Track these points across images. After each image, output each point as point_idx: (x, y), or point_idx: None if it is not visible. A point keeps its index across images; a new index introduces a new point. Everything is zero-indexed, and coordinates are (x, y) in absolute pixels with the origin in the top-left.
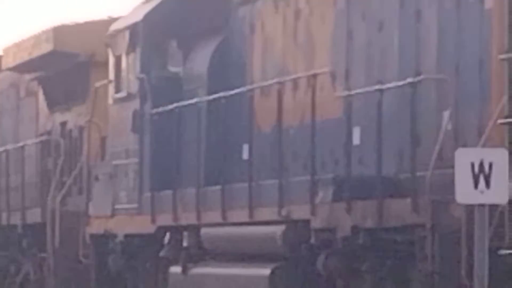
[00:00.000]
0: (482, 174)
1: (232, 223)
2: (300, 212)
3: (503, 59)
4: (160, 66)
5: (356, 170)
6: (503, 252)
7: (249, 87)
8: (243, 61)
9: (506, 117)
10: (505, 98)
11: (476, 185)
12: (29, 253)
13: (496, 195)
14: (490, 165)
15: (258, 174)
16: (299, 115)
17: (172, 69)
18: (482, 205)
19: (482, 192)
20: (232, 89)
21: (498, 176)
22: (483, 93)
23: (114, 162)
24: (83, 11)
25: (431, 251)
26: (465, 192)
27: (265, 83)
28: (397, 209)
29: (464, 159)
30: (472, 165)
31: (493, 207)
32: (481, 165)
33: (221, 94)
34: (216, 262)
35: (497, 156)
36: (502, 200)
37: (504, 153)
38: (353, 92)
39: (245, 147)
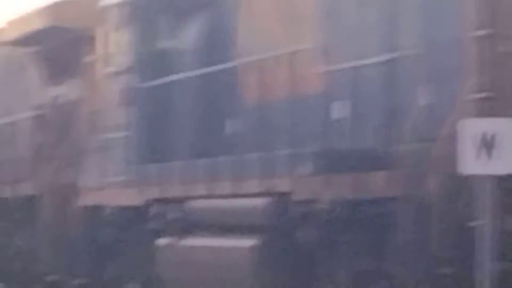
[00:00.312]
0: (485, 145)
1: (217, 196)
2: (281, 185)
3: (473, 37)
4: (150, 41)
5: (337, 144)
6: (473, 223)
7: (233, 63)
8: (230, 36)
9: (475, 93)
10: (476, 74)
11: (479, 155)
12: (21, 225)
13: (500, 166)
14: (493, 136)
15: (244, 147)
16: (283, 90)
17: (162, 44)
18: (487, 176)
19: (486, 162)
20: (219, 63)
21: (503, 146)
22: (457, 69)
23: (104, 136)
24: None
25: (403, 223)
26: (468, 163)
27: (249, 59)
28: (372, 182)
29: (468, 130)
30: (476, 136)
31: (465, 181)
32: (484, 136)
33: (207, 69)
34: (202, 234)
35: (502, 127)
36: (508, 170)
37: (509, 123)
38: (331, 67)
39: (230, 121)
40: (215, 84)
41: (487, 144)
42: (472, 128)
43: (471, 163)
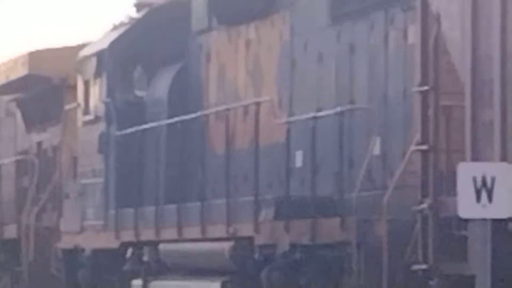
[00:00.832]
0: (484, 189)
1: (187, 239)
2: (245, 229)
3: (417, 91)
4: (125, 90)
5: (298, 191)
6: (416, 267)
7: (203, 112)
8: (200, 87)
9: (419, 144)
10: (420, 126)
11: (478, 199)
12: (6, 267)
13: (498, 209)
14: (493, 180)
15: (213, 193)
16: (249, 139)
17: (138, 93)
18: (485, 220)
19: (484, 206)
20: (190, 113)
21: (501, 190)
22: (406, 121)
23: (83, 181)
24: (58, 37)
25: (356, 266)
26: (467, 207)
27: (217, 109)
28: (328, 228)
29: (467, 173)
30: (474, 180)
31: (412, 227)
32: (484, 179)
33: (178, 118)
34: (173, 275)
35: (500, 171)
36: (505, 214)
37: (507, 167)
38: (291, 119)
39: (199, 169)
40: (187, 133)
41: (486, 188)
42: (470, 171)
43: (470, 207)
